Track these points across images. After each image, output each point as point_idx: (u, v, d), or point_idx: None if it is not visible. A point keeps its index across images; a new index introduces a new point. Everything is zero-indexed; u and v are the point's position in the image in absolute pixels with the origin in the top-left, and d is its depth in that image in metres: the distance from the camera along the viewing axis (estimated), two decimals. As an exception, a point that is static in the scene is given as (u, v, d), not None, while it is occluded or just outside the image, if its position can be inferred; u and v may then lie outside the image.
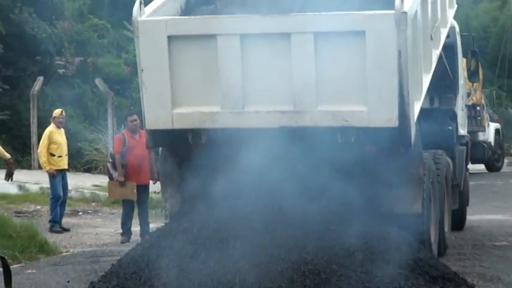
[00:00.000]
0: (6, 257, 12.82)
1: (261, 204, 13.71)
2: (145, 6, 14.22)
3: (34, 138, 30.03)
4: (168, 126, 14.15)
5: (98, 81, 30.74)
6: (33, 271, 16.05)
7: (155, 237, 14.97)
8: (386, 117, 13.31)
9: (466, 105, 21.88)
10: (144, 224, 19.59)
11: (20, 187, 24.99)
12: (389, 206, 14.30)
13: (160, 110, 14.12)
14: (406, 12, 13.11)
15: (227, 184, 13.87)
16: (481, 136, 31.44)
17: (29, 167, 28.32)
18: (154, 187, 19.51)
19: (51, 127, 22.74)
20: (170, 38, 13.89)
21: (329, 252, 13.01)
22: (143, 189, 20.03)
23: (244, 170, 13.64)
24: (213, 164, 14.04)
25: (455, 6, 19.72)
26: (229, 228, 13.63)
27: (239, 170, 13.68)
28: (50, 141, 22.43)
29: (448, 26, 18.76)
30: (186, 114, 14.00)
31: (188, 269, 13.10)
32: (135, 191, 19.81)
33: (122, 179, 19.82)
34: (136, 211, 20.09)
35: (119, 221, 20.46)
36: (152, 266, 13.54)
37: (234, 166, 13.72)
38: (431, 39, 16.04)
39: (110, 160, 20.65)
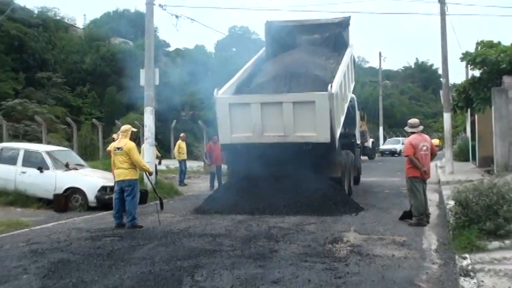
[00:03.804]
0: (161, 197, 12.93)
1: (270, 173, 13.97)
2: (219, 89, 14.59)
3: (172, 145, 30.10)
4: (229, 142, 14.48)
5: (200, 122, 30.66)
6: (172, 202, 16.29)
7: (223, 187, 15.60)
8: (324, 137, 13.64)
9: (360, 131, 21.93)
10: (219, 182, 19.59)
11: (166, 166, 25.00)
12: (328, 173, 14.48)
13: (226, 135, 14.43)
14: (333, 93, 13.48)
15: (254, 164, 14.01)
16: (366, 144, 31.46)
17: (169, 158, 28.25)
18: (224, 167, 19.39)
19: (179, 141, 22.83)
20: (230, 104, 14.20)
21: (302, 193, 13.47)
22: (219, 167, 20.09)
23: (262, 159, 13.87)
24: (248, 157, 14.16)
25: (354, 82, 19.71)
26: (255, 183, 14.00)
27: (259, 159, 13.90)
28: (179, 147, 22.51)
29: (352, 90, 18.93)
30: (237, 136, 14.30)
31: (236, 200, 13.48)
32: (215, 168, 20.07)
33: (209, 163, 20.38)
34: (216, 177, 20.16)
35: (208, 181, 20.52)
36: (221, 199, 13.87)
37: (257, 158, 13.94)
38: (343, 99, 16.11)
39: (205, 154, 20.96)
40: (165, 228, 10.91)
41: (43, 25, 44.60)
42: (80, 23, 60.04)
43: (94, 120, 31.47)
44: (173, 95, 34.24)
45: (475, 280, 6.70)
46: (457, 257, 7.95)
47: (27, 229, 11.48)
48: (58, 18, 50.42)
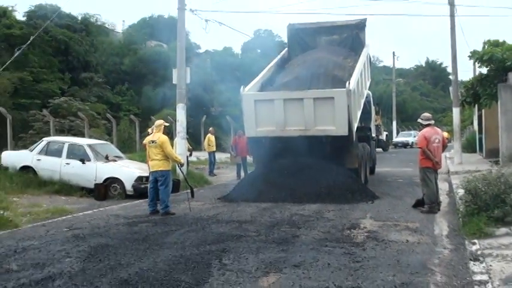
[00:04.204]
0: (192, 186, 12.87)
1: (292, 163, 13.82)
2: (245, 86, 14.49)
3: (202, 139, 29.94)
4: (254, 135, 14.39)
5: (228, 117, 30.50)
6: (202, 190, 16.24)
7: (248, 177, 15.24)
8: (342, 130, 13.48)
9: (375, 125, 21.53)
10: (245, 172, 19.47)
11: (197, 158, 24.97)
12: (346, 164, 14.25)
13: (251, 128, 14.33)
14: (350, 89, 13.25)
15: (277, 155, 14.01)
16: (381, 137, 30.90)
17: (200, 150, 28.16)
18: (249, 158, 19.26)
19: (209, 134, 22.75)
20: (255, 101, 14.10)
21: (322, 183, 13.24)
22: (244, 158, 20.00)
23: (284, 151, 13.84)
24: (272, 149, 14.13)
25: (370, 79, 19.36)
26: (278, 173, 13.76)
27: (282, 151, 13.88)
28: (208, 140, 22.46)
29: (367, 87, 18.54)
30: (261, 130, 14.21)
31: (260, 189, 13.32)
32: (241, 159, 19.96)
33: (235, 154, 20.29)
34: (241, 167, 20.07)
35: (235, 171, 20.43)
36: (247, 188, 13.69)
37: (280, 150, 13.91)
38: (360, 95, 15.83)
39: (231, 147, 20.97)
40: (195, 215, 10.85)
41: (86, 30, 45.13)
42: (119, 28, 60.53)
43: (132, 116, 31.60)
44: (203, 92, 34.27)
45: (484, 264, 6.55)
46: (466, 242, 7.80)
47: (70, 216, 11.55)
48: (99, 23, 50.78)
